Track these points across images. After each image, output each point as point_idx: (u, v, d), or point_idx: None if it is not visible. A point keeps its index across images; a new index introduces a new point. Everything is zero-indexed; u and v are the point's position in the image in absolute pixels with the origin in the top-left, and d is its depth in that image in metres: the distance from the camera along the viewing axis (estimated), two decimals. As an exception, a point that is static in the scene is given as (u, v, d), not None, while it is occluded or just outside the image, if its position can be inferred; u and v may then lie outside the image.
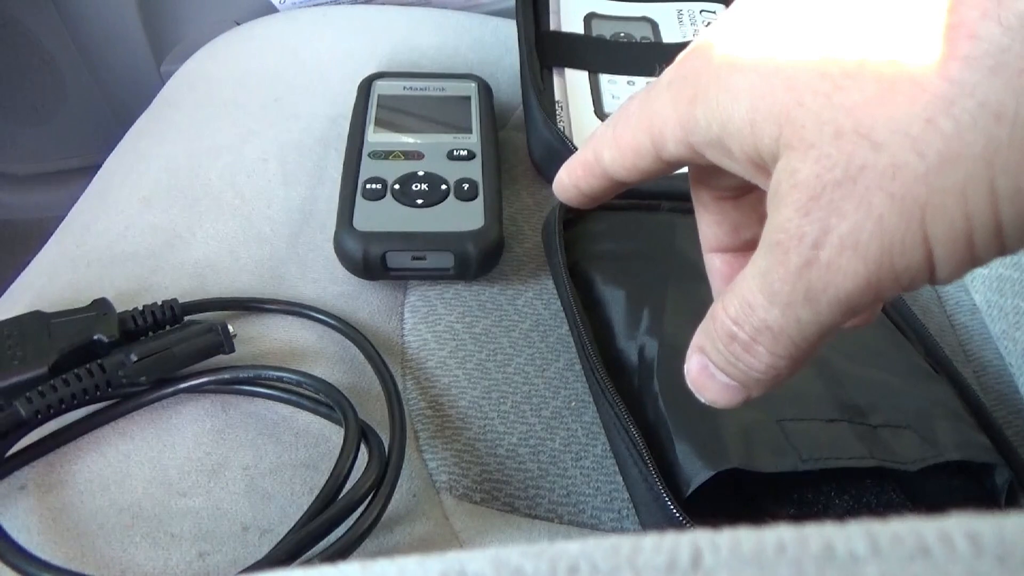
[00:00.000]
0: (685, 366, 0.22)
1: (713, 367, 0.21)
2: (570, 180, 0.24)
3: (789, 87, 0.17)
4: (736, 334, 0.20)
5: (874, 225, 0.16)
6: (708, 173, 0.23)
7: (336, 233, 0.41)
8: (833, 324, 0.19)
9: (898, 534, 0.10)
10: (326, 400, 0.35)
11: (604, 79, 0.54)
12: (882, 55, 0.16)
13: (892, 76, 0.16)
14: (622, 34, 0.58)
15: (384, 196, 0.42)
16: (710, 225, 0.25)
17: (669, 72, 0.21)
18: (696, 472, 0.31)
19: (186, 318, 0.38)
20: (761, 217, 0.23)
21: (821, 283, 0.18)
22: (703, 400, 0.22)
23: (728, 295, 0.20)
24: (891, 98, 0.16)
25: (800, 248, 0.18)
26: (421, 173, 0.44)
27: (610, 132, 0.22)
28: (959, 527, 0.10)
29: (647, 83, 0.23)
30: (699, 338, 0.22)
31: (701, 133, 0.20)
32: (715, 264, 0.25)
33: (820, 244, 0.17)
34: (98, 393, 0.33)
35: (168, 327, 0.37)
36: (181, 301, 0.38)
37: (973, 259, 0.16)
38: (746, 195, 0.24)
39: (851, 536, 0.10)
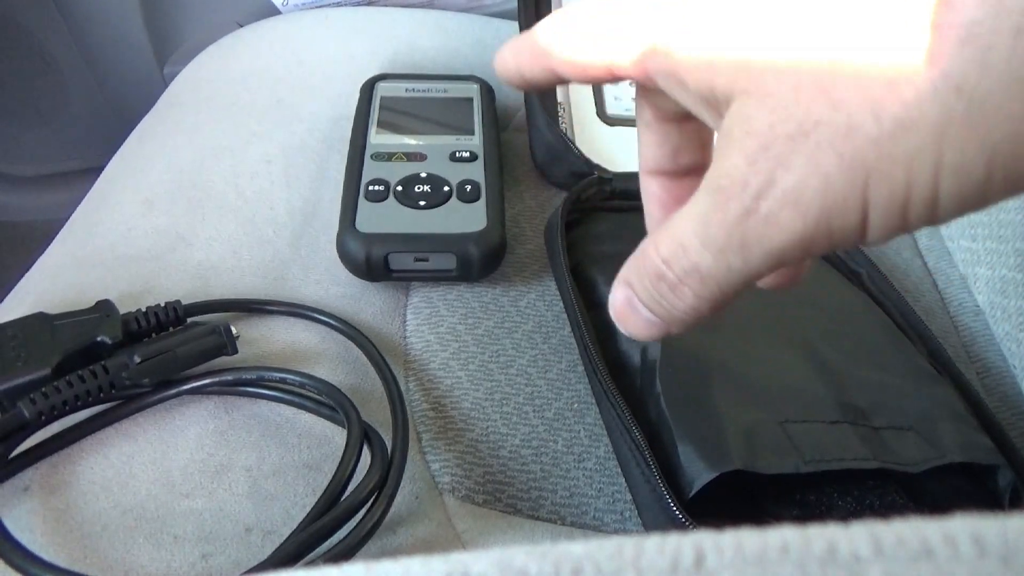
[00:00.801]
0: (610, 297, 0.22)
1: (638, 301, 0.22)
2: (515, 63, 0.24)
3: (751, 32, 0.18)
4: (664, 273, 0.20)
5: (819, 183, 0.17)
6: (656, 92, 0.23)
7: (339, 234, 0.41)
8: (760, 275, 0.19)
9: (902, 535, 0.10)
10: (329, 401, 0.35)
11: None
12: (851, 15, 0.16)
13: (859, 36, 0.16)
14: (624, 35, 0.58)
15: (387, 197, 0.43)
16: (650, 146, 0.25)
17: None
18: (699, 473, 0.31)
19: (189, 319, 0.38)
20: (702, 144, 0.23)
21: (757, 234, 0.18)
22: (623, 331, 0.22)
23: (661, 234, 0.20)
24: (856, 58, 0.16)
25: (742, 196, 0.18)
26: (423, 175, 0.44)
27: (567, 33, 0.22)
28: (963, 528, 0.10)
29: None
30: (627, 271, 0.22)
31: (659, 61, 0.20)
32: (651, 188, 0.25)
33: (762, 195, 0.17)
34: (101, 395, 0.33)
35: (171, 328, 0.37)
36: (184, 302, 0.38)
37: (904, 227, 0.17)
38: (690, 120, 0.23)
39: (854, 537, 0.10)
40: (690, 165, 0.25)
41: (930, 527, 0.10)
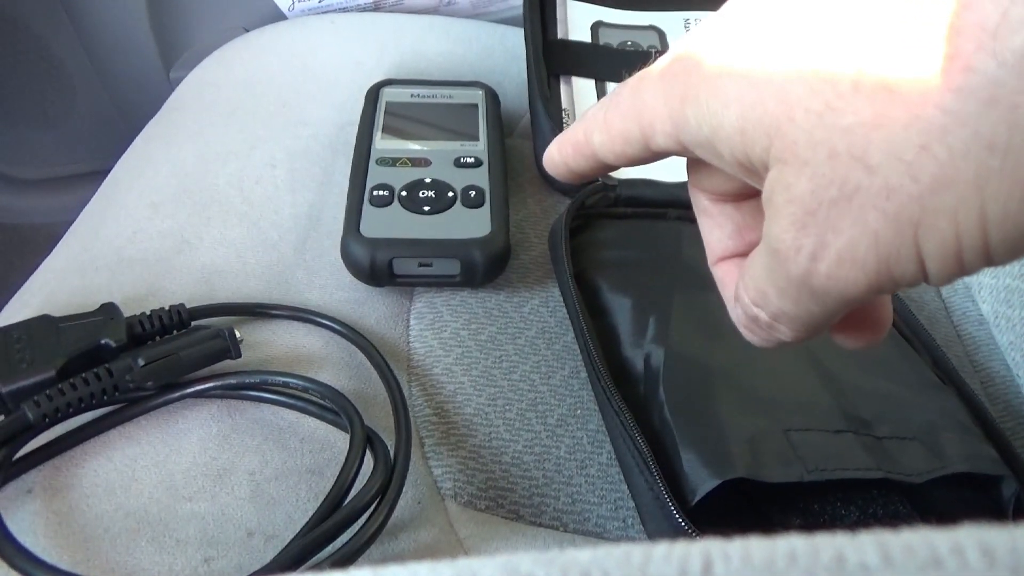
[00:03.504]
0: (732, 315, 0.23)
1: (748, 330, 0.23)
2: (560, 157, 0.25)
3: (780, 100, 0.18)
4: (758, 317, 0.21)
5: (870, 241, 0.17)
6: (704, 175, 0.23)
7: (343, 239, 0.41)
8: (846, 311, 0.19)
9: (910, 545, 0.10)
10: (332, 406, 0.35)
11: (611, 87, 0.54)
12: (876, 79, 0.16)
13: (886, 101, 0.16)
14: (629, 43, 0.58)
15: (391, 203, 0.43)
16: (713, 229, 0.25)
17: (661, 64, 0.21)
18: (702, 481, 0.31)
19: (193, 323, 0.38)
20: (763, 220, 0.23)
21: (823, 288, 0.18)
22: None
23: (747, 278, 0.21)
24: (886, 123, 0.16)
25: (798, 259, 0.18)
26: (428, 180, 0.44)
27: (601, 116, 0.23)
28: (971, 539, 0.10)
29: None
30: (735, 302, 0.23)
31: (691, 133, 0.20)
32: (726, 279, 0.25)
33: (818, 257, 0.18)
34: (105, 397, 0.33)
35: (175, 332, 0.37)
36: (188, 306, 0.38)
37: (962, 271, 0.17)
38: (746, 200, 0.24)
39: (863, 547, 0.10)
40: (757, 242, 0.24)
41: (938, 537, 0.10)
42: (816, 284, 0.18)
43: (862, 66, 0.17)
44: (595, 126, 0.23)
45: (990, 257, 0.17)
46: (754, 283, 0.21)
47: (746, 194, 0.23)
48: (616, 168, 0.24)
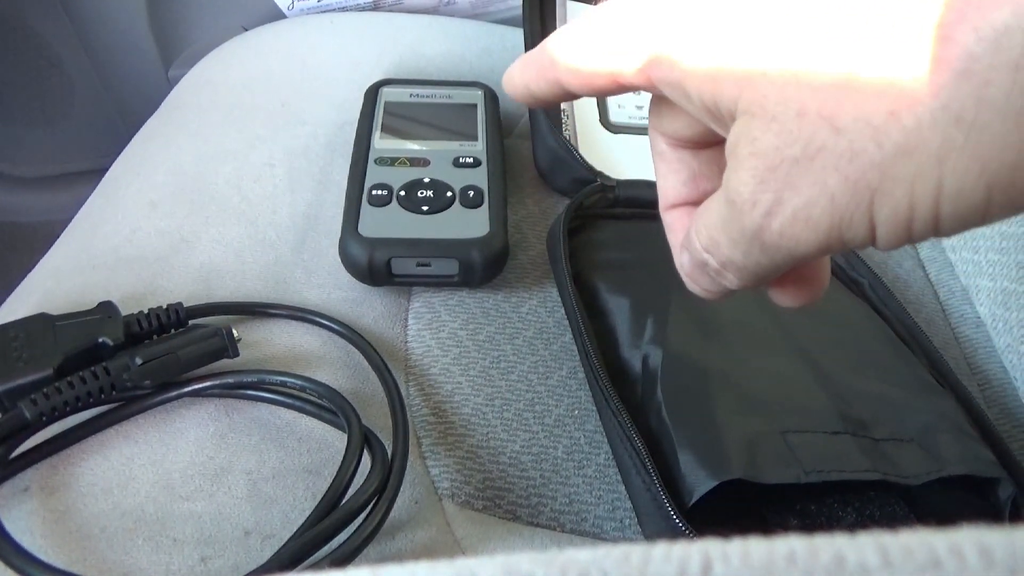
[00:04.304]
0: (676, 261, 0.24)
1: (691, 278, 0.23)
2: (521, 79, 0.24)
3: (754, 52, 0.18)
4: (707, 262, 0.21)
5: (826, 202, 0.17)
6: (667, 116, 0.23)
7: (341, 239, 0.41)
8: (793, 265, 0.20)
9: (909, 546, 0.10)
10: (329, 405, 0.35)
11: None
12: (854, 44, 0.17)
13: (860, 65, 0.16)
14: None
15: (390, 202, 0.43)
16: (668, 175, 0.24)
17: (643, 1, 0.21)
18: (699, 482, 0.31)
19: (191, 322, 0.38)
20: (721, 170, 0.23)
21: (774, 243, 0.19)
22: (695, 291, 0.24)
23: (700, 224, 0.21)
24: (857, 87, 0.16)
25: (753, 213, 0.19)
26: (427, 180, 0.44)
27: (572, 44, 0.22)
28: (970, 540, 0.10)
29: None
30: (682, 248, 0.23)
31: (663, 71, 0.20)
32: (675, 225, 0.25)
33: (773, 214, 0.18)
34: (102, 396, 0.33)
35: (173, 331, 0.37)
36: (186, 305, 0.38)
37: (910, 239, 0.18)
38: (706, 147, 0.24)
39: (862, 548, 0.10)
40: (711, 191, 0.24)
41: (937, 538, 0.10)
42: (768, 239, 0.19)
43: (841, 30, 0.17)
44: (563, 53, 0.22)
45: (938, 228, 0.17)
46: (707, 230, 0.21)
47: (705, 142, 0.23)
48: (577, 97, 0.23)
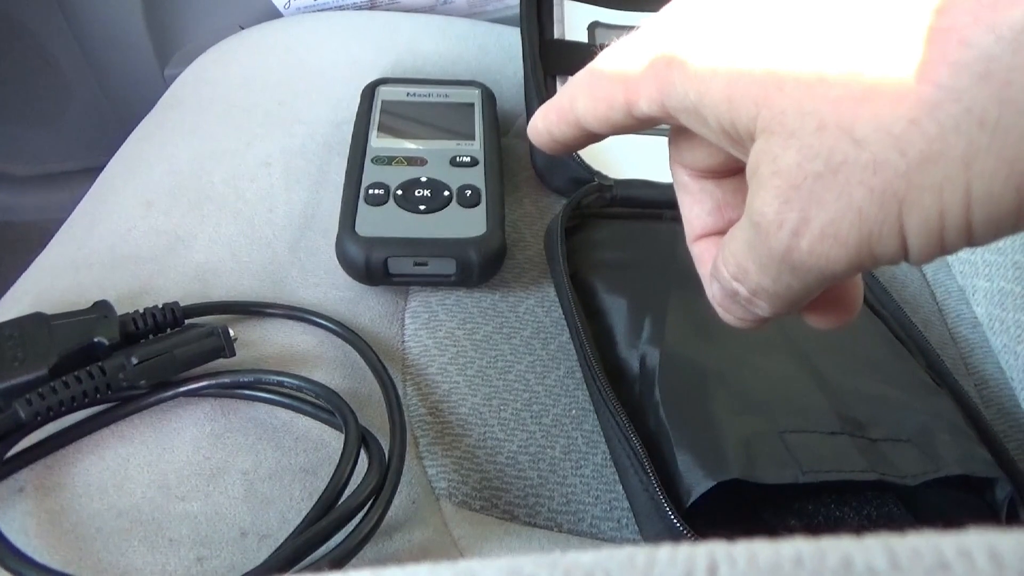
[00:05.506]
0: (708, 292, 0.23)
1: (723, 308, 0.22)
2: (543, 125, 0.24)
3: (769, 69, 0.18)
4: (737, 292, 0.21)
5: (854, 217, 0.17)
6: (686, 148, 0.23)
7: (338, 238, 0.41)
8: (826, 286, 0.19)
9: (917, 549, 0.10)
10: (326, 405, 0.35)
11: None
12: (868, 52, 0.16)
13: (878, 74, 0.16)
14: (626, 43, 0.58)
15: (387, 202, 0.42)
16: (693, 206, 0.24)
17: (649, 27, 0.21)
18: (697, 482, 0.31)
19: (187, 321, 0.38)
20: (745, 199, 0.23)
21: (804, 264, 0.18)
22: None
23: (727, 252, 0.21)
24: (876, 96, 0.16)
25: (780, 234, 0.18)
26: (424, 179, 0.44)
27: (586, 81, 0.22)
28: (979, 543, 0.10)
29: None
30: (711, 278, 0.22)
31: (677, 98, 0.20)
32: (703, 254, 0.24)
33: (800, 233, 0.18)
34: (98, 396, 0.33)
35: (169, 330, 0.37)
36: (182, 304, 0.38)
37: (943, 249, 0.17)
38: (727, 177, 0.23)
39: (869, 550, 0.10)
40: (736, 221, 0.24)
41: (945, 541, 0.10)
42: (797, 260, 0.18)
43: (854, 38, 0.17)
44: (579, 91, 0.22)
45: (971, 236, 0.16)
46: (734, 257, 0.20)
47: (727, 170, 0.23)
48: (600, 138, 0.23)
